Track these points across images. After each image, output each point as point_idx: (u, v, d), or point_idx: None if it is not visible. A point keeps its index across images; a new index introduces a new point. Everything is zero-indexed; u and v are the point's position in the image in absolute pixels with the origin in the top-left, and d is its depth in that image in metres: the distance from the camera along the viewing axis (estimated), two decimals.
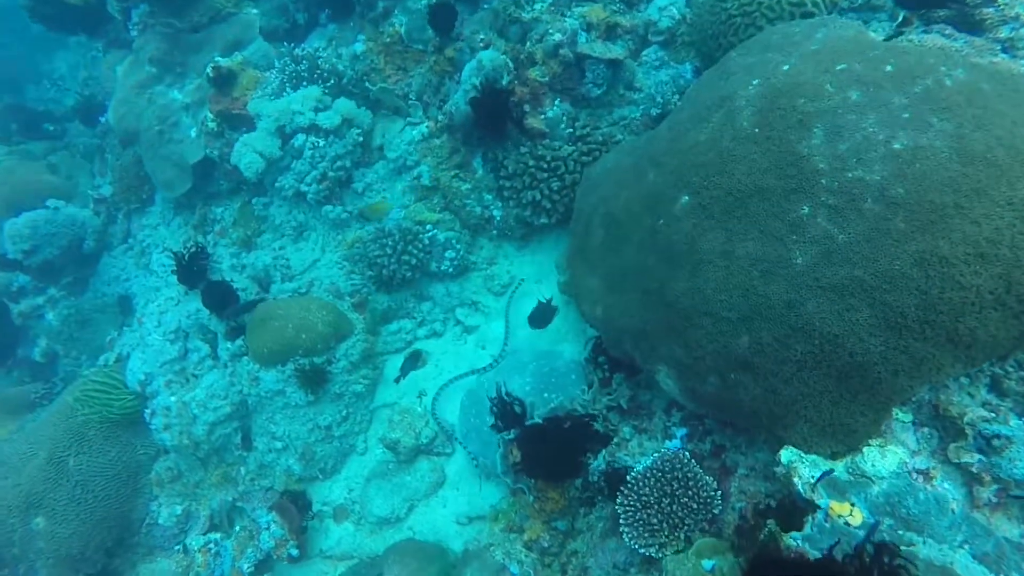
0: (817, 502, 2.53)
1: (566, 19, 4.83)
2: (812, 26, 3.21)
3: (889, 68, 2.71)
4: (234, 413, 4.81)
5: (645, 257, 3.24)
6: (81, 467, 4.60)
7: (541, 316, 4.39)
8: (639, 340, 3.26)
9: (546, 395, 4.28)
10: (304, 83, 5.55)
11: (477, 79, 4.70)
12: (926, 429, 2.75)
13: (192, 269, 5.00)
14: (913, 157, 2.50)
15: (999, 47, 3.29)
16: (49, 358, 6.70)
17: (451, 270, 5.11)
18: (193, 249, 5.07)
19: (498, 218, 5.07)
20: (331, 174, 5.36)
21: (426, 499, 4.63)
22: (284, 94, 5.55)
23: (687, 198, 3.04)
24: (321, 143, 5.31)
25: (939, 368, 2.56)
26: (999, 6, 3.36)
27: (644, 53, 5.04)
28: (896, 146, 2.54)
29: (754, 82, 3.00)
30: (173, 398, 4.73)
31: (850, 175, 2.57)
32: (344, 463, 4.98)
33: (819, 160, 2.64)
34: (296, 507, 4.52)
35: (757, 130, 2.85)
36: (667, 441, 3.50)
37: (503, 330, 4.77)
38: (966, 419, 2.64)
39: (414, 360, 4.87)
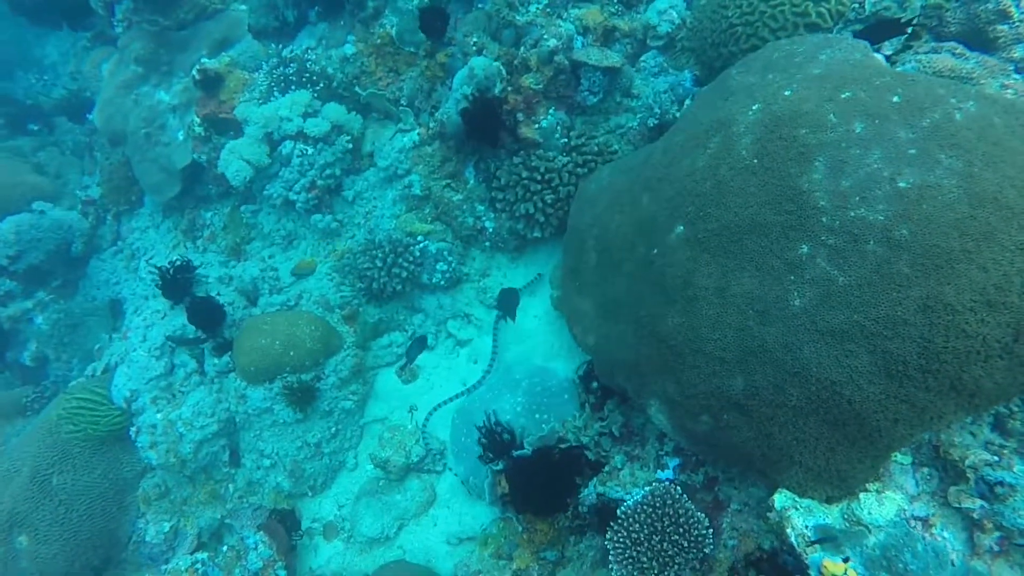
0: (811, 556, 2.45)
1: (562, 24, 4.64)
2: (816, 46, 3.04)
3: (896, 99, 2.56)
4: (221, 431, 4.71)
5: (639, 287, 3.12)
6: (66, 485, 4.50)
7: (508, 302, 4.42)
8: (631, 373, 3.16)
9: (538, 416, 4.20)
10: (292, 86, 5.39)
11: (469, 88, 4.53)
12: (926, 469, 2.66)
13: (177, 284, 4.86)
14: (919, 197, 2.37)
15: (1012, 67, 3.13)
16: (39, 362, 6.61)
17: (443, 282, 4.99)
18: (178, 263, 4.92)
19: (491, 229, 4.94)
20: (320, 182, 5.21)
21: (416, 518, 4.56)
22: (272, 98, 5.38)
23: (682, 228, 2.91)
24: (310, 151, 5.16)
25: (941, 416, 2.46)
26: (1014, 23, 3.20)
27: (643, 58, 4.88)
28: (902, 184, 2.40)
29: (754, 107, 2.85)
30: (159, 415, 4.63)
31: (852, 214, 2.44)
32: (334, 479, 4.90)
33: (820, 197, 2.51)
34: (284, 527, 4.45)
35: (756, 160, 2.71)
36: (659, 471, 3.42)
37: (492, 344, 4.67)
38: (968, 463, 2.55)
39: (420, 345, 4.75)
